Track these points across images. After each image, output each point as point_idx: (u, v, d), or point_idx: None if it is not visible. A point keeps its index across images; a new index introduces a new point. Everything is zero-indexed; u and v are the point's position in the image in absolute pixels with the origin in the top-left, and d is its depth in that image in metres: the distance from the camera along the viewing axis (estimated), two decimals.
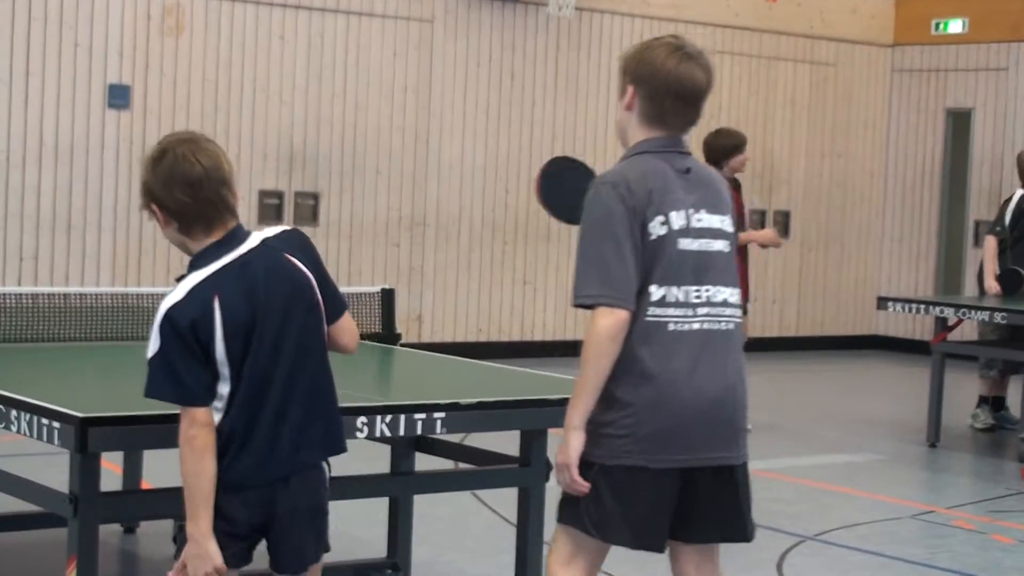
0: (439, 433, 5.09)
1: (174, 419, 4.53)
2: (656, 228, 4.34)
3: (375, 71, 14.49)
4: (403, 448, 6.12)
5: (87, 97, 12.97)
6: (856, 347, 17.72)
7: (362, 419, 4.83)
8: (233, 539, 4.21)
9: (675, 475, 4.37)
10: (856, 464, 10.41)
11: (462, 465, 6.33)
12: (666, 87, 4.43)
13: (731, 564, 7.52)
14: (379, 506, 6.37)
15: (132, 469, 7.11)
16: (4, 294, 7.28)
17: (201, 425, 4.10)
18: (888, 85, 17.92)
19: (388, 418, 4.89)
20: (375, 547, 6.54)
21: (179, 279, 4.19)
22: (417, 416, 4.95)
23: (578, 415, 4.32)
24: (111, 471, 6.49)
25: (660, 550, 4.50)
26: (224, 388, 4.15)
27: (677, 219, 4.38)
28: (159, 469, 7.20)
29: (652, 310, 4.33)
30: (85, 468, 4.57)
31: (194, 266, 4.19)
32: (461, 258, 15.11)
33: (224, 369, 4.14)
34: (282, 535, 4.28)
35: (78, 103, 12.99)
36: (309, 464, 4.30)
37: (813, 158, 17.34)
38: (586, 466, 4.35)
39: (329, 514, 4.44)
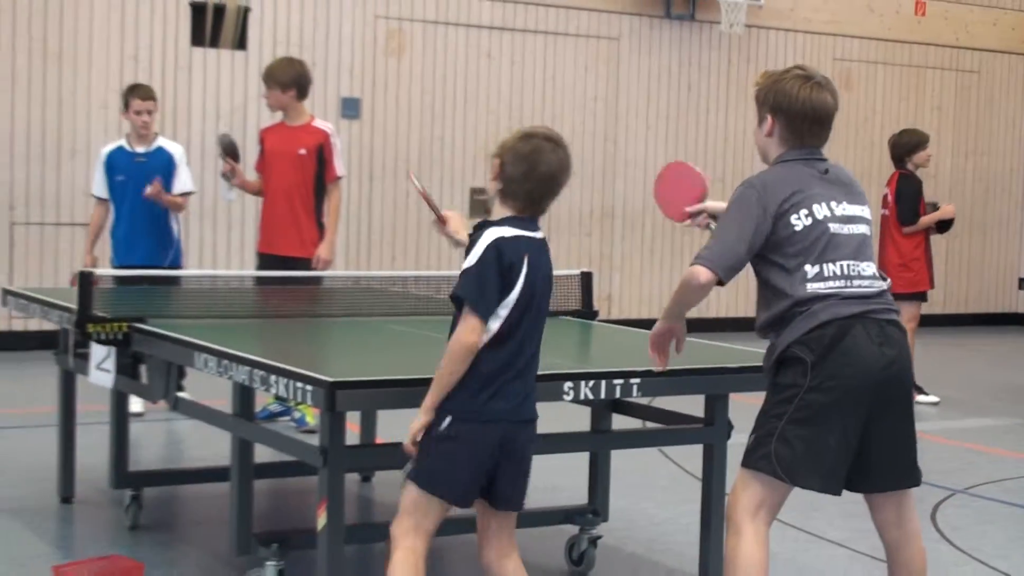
0: (634, 397, 5.08)
1: (409, 384, 4.60)
2: (802, 220, 4.43)
3: (569, 83, 14.52)
4: (601, 410, 6.13)
5: (323, 109, 13.17)
6: (998, 323, 17.33)
7: (568, 384, 4.82)
8: (470, 466, 4.30)
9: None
10: (1001, 427, 10.19)
11: (649, 424, 6.32)
12: (803, 115, 4.51)
13: None
14: (580, 460, 6.39)
15: (368, 427, 7.23)
16: (257, 278, 7.47)
17: (478, 333, 4.22)
18: None
19: (591, 383, 4.88)
20: (578, 495, 6.57)
21: (479, 226, 4.34)
22: (616, 382, 4.94)
23: (664, 321, 4.62)
24: (349, 429, 6.61)
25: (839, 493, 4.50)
26: (494, 324, 4.26)
27: (819, 211, 4.45)
28: (389, 427, 7.34)
29: (812, 285, 4.41)
30: (334, 425, 4.65)
31: (504, 223, 4.30)
32: (645, 246, 15.08)
33: (503, 311, 4.25)
34: (510, 473, 4.36)
35: (315, 114, 13.18)
36: (535, 416, 4.42)
37: (958, 157, 16.97)
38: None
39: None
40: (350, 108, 13.35)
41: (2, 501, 6.85)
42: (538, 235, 4.37)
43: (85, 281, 5.82)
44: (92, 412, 7.49)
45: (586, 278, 6.77)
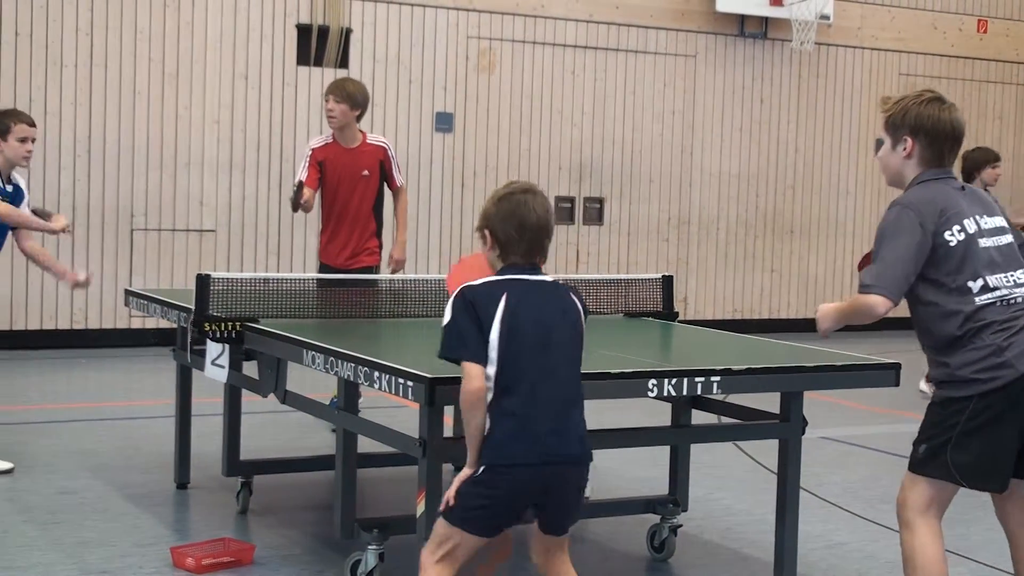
0: (714, 394, 5.02)
1: None
2: (955, 235, 4.35)
3: (648, 98, 14.45)
4: (682, 405, 6.08)
5: (419, 123, 13.24)
6: None
7: (652, 381, 4.76)
8: (496, 507, 4.09)
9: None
10: None
11: (726, 420, 6.25)
12: (946, 135, 4.46)
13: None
14: (662, 453, 6.35)
15: (460, 421, 7.20)
16: (357, 280, 7.47)
17: (477, 379, 4.01)
18: None
19: (673, 381, 4.82)
20: (659, 486, 6.52)
21: None
22: (697, 379, 4.87)
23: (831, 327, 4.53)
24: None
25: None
26: (491, 369, 4.03)
27: (970, 225, 4.39)
28: None
29: (979, 298, 4.33)
30: (432, 418, 4.64)
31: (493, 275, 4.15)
32: (719, 250, 14.97)
33: (493, 353, 4.02)
34: (552, 508, 4.15)
35: (412, 128, 13.26)
36: (574, 457, 4.16)
37: (1020, 163, 16.71)
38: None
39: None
40: (444, 122, 13.38)
41: (124, 487, 6.92)
42: (535, 277, 4.12)
43: (203, 283, 5.86)
44: (205, 404, 7.55)
45: (667, 282, 6.72)
